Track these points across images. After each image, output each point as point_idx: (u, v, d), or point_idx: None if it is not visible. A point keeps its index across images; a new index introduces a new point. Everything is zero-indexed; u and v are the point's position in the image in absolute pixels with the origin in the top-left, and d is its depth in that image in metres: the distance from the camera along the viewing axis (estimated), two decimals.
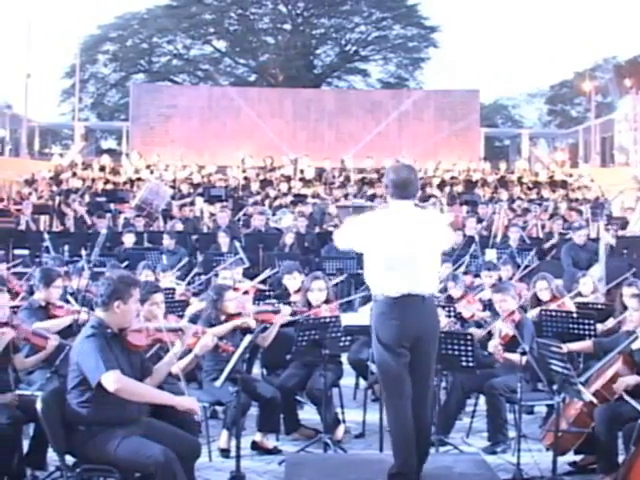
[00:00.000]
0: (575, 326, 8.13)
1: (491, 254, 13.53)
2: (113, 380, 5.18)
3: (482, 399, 8.08)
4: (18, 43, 49.08)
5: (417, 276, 5.81)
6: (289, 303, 8.44)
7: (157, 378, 5.83)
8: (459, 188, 23.19)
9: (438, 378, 7.48)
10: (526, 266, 11.91)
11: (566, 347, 7.30)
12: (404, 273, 5.79)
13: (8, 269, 11.09)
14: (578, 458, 6.91)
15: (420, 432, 5.89)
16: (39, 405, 5.24)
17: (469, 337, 7.32)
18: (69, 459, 5.35)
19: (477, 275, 11.38)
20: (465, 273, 11.40)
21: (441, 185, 23.43)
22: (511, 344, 7.55)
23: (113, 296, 5.43)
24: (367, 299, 9.55)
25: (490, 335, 7.95)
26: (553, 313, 8.40)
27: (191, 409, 5.58)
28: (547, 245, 15.38)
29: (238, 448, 6.39)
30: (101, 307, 5.47)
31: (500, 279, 10.56)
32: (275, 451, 7.51)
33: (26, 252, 14.41)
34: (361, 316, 8.36)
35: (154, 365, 5.86)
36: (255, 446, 7.52)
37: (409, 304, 5.77)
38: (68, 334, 7.32)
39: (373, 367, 7.18)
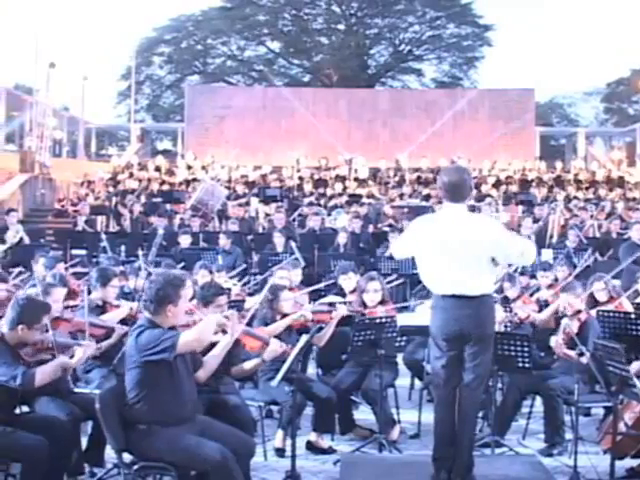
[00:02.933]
0: (633, 327, 7.99)
1: (547, 254, 13.41)
2: (187, 334, 5.37)
3: (538, 400, 8.01)
4: (75, 46, 49.77)
5: (463, 278, 5.89)
6: (345, 303, 8.43)
7: (208, 370, 5.91)
8: (515, 188, 23.04)
9: (494, 379, 7.46)
10: (586, 267, 11.76)
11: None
12: (450, 275, 5.92)
13: (66, 269, 11.21)
14: (636, 463, 6.79)
15: (459, 431, 6.00)
16: (97, 403, 5.29)
17: (525, 338, 7.27)
18: (126, 457, 5.40)
19: (533, 276, 11.26)
20: (521, 274, 11.28)
21: (496, 184, 23.30)
22: (574, 342, 7.45)
23: (164, 301, 5.44)
24: (424, 298, 9.53)
25: (557, 325, 7.87)
26: (610, 314, 8.27)
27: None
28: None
29: (293, 447, 6.38)
30: (152, 312, 5.48)
31: (556, 279, 10.46)
32: (330, 451, 7.52)
33: (83, 252, 14.56)
34: (417, 316, 8.34)
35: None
36: (310, 446, 7.54)
37: (455, 302, 5.91)
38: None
39: (428, 368, 7.19)
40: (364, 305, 8.30)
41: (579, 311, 7.94)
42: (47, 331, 6.06)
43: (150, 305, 5.47)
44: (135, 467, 5.32)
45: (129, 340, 5.51)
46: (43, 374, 5.71)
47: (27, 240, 15.35)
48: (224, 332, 6.04)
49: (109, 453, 6.12)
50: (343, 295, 9.09)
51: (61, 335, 6.61)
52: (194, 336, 5.37)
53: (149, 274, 9.23)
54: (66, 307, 7.80)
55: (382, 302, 8.33)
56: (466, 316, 5.86)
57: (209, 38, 48.14)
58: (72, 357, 6.12)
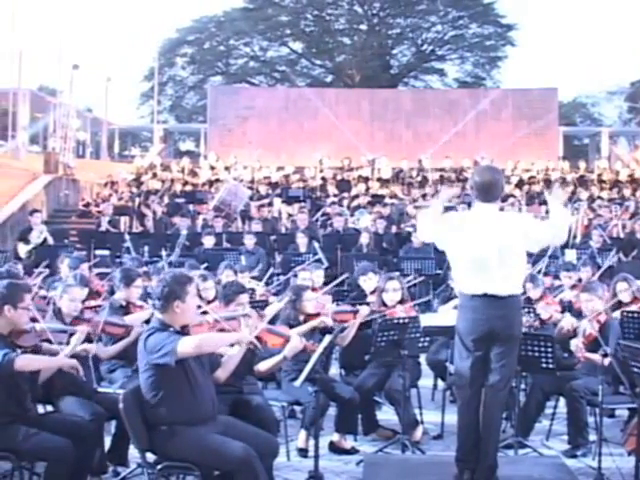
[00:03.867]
0: None
1: (571, 255, 13.33)
2: (188, 340, 5.31)
3: (562, 401, 7.97)
4: (98, 48, 50.02)
5: (494, 279, 5.86)
6: (367, 304, 8.43)
7: (227, 369, 5.91)
8: (538, 188, 22.94)
9: (517, 380, 7.42)
10: (609, 267, 11.70)
11: None
12: (481, 275, 5.90)
13: (90, 269, 11.27)
14: None
15: (483, 433, 5.98)
16: (120, 403, 5.31)
17: (549, 338, 7.24)
18: (150, 456, 5.41)
19: (557, 277, 11.20)
20: (545, 274, 11.23)
21: (520, 184, 23.23)
22: (594, 344, 7.42)
23: (171, 297, 5.45)
24: (446, 298, 9.53)
25: (575, 333, 7.84)
26: (634, 315, 8.22)
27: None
28: None
29: (316, 448, 6.38)
30: (160, 310, 5.50)
31: (580, 280, 10.39)
32: (353, 451, 7.51)
33: (107, 253, 14.63)
34: (440, 316, 8.33)
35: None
36: (333, 446, 7.54)
37: (484, 302, 5.87)
38: None
39: (452, 368, 7.17)
40: (384, 305, 8.30)
41: (599, 312, 7.88)
42: (37, 321, 6.12)
43: (158, 303, 5.50)
44: (159, 467, 5.33)
45: (139, 343, 5.52)
46: (27, 361, 5.66)
47: (51, 240, 15.45)
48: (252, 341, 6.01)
49: (133, 452, 6.14)
50: (364, 296, 9.10)
51: (53, 322, 6.69)
52: (195, 343, 5.31)
53: None
54: (89, 307, 7.85)
55: (401, 301, 8.32)
56: (496, 316, 5.83)
57: (231, 39, 48.25)
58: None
